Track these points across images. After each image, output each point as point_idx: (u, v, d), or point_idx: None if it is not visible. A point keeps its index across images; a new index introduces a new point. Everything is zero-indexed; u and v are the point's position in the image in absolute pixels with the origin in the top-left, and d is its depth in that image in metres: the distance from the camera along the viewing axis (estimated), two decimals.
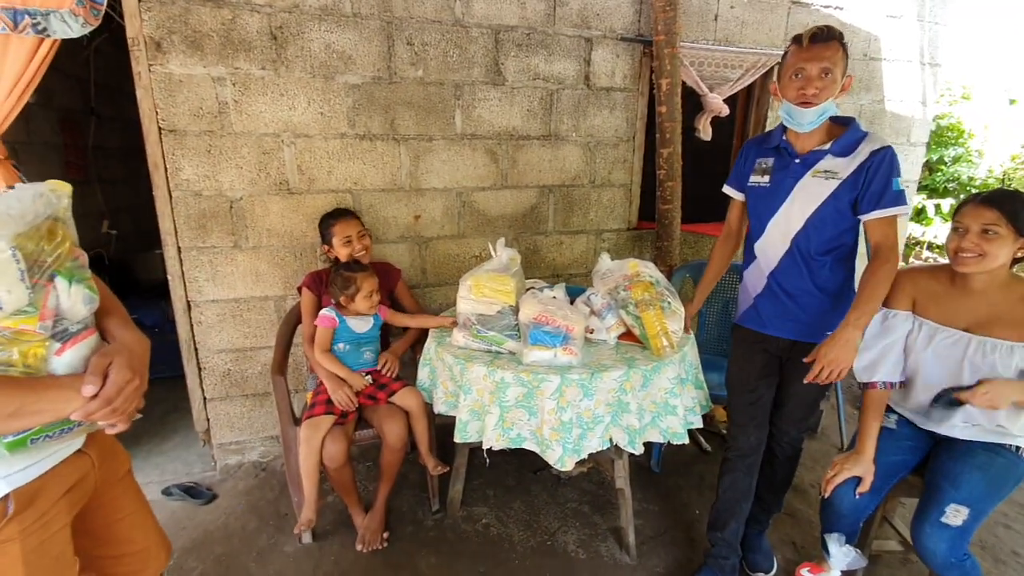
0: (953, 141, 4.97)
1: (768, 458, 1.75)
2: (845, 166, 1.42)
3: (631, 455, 1.83)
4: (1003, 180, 4.93)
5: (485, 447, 1.68)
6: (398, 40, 2.19)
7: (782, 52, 1.48)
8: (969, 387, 1.39)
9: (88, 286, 0.89)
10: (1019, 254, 1.38)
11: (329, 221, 2.05)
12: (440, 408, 1.85)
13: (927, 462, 1.56)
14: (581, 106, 2.50)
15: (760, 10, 2.67)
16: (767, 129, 2.58)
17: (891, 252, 1.41)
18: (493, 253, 1.99)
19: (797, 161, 1.49)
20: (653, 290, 1.78)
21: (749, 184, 1.60)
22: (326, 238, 2.05)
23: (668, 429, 1.74)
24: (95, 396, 0.80)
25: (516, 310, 1.80)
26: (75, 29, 1.79)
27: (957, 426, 1.50)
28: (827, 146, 1.45)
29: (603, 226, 2.72)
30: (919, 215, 4.70)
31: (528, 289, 2.14)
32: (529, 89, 2.40)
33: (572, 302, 1.93)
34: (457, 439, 1.72)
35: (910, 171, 3.29)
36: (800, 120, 1.41)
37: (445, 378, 1.83)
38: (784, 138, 1.52)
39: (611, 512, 2.14)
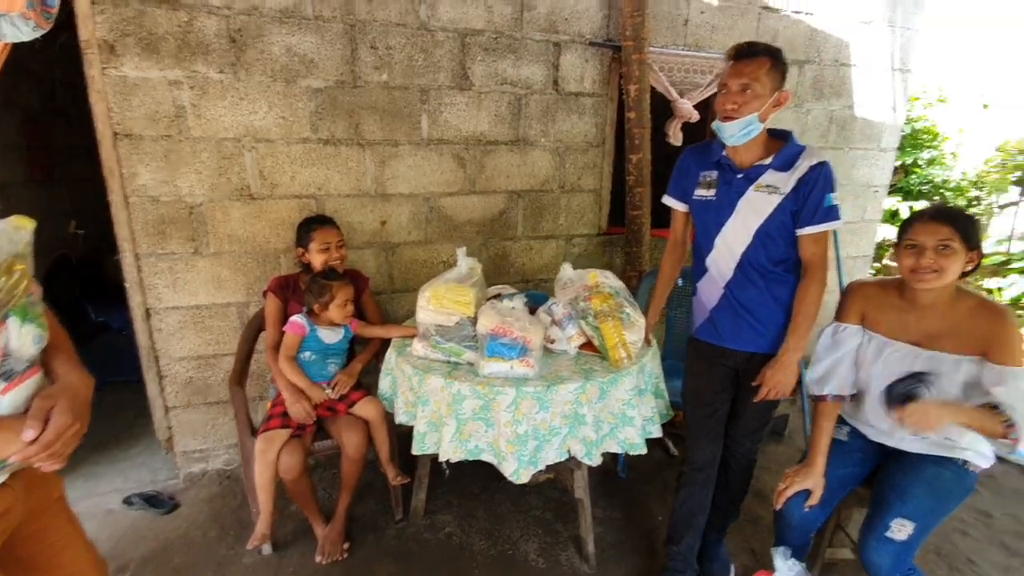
0: (928, 144, 5.03)
1: (723, 469, 1.76)
2: (786, 180, 1.43)
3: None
4: (976, 183, 5.00)
5: (441, 459, 1.67)
6: (362, 44, 2.15)
7: None
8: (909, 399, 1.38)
9: (39, 324, 0.89)
10: (967, 268, 1.39)
11: (310, 225, 2.02)
12: (401, 418, 1.84)
13: (877, 474, 1.58)
14: (550, 111, 2.49)
15: (731, 15, 2.67)
16: None
17: (819, 270, 1.46)
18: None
19: (740, 176, 1.49)
20: (612, 301, 1.78)
21: (694, 197, 1.60)
22: (303, 242, 2.01)
23: (626, 440, 1.74)
24: (35, 440, 0.80)
25: (475, 321, 1.78)
26: (26, 33, 1.73)
27: (906, 439, 1.51)
28: (768, 160, 1.46)
29: (573, 231, 2.71)
30: (893, 217, 4.75)
31: (490, 298, 2.13)
32: (497, 94, 2.38)
33: (534, 311, 1.93)
34: (415, 451, 1.71)
35: (880, 177, 3.31)
36: (724, 134, 1.45)
37: (405, 388, 1.82)
38: (724, 153, 1.52)
39: (574, 519, 2.13)
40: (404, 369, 1.78)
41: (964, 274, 1.40)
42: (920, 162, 5.03)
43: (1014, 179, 4.81)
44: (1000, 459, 2.75)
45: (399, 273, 2.47)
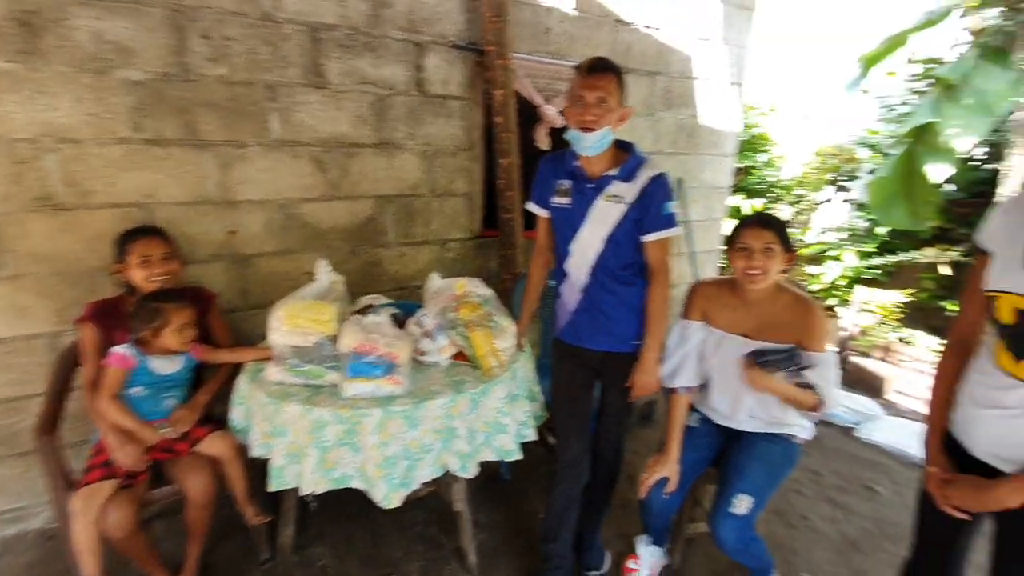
0: (762, 148, 5.74)
1: (593, 461, 1.84)
2: (629, 190, 1.52)
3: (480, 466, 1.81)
4: (800, 182, 5.82)
5: (304, 493, 1.54)
6: (191, 32, 1.91)
7: None
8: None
9: None
10: (785, 267, 1.57)
11: (130, 236, 1.74)
12: (257, 451, 1.67)
13: (723, 455, 1.74)
14: (416, 113, 2.41)
15: (588, 27, 2.79)
16: None
17: (663, 272, 1.58)
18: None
19: (590, 185, 1.56)
20: (481, 310, 1.77)
21: (552, 204, 1.65)
22: (120, 255, 1.73)
23: (501, 447, 1.74)
24: None
25: (337, 339, 1.67)
26: None
27: (744, 421, 1.69)
28: (614, 171, 1.54)
29: (447, 236, 2.67)
30: (738, 214, 5.37)
31: (359, 309, 2.02)
32: (357, 93, 2.25)
33: (403, 324, 1.85)
34: (273, 487, 1.56)
35: (724, 179, 3.70)
36: (582, 144, 1.49)
37: (260, 418, 1.65)
38: (576, 163, 1.58)
39: (458, 530, 2.11)
40: (257, 397, 1.61)
41: (782, 272, 1.59)
42: (757, 164, 5.71)
43: (829, 179, 5.65)
44: (825, 423, 3.21)
45: (256, 287, 2.25)
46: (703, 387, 1.75)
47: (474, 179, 2.68)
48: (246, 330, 2.21)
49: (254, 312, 2.26)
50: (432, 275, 1.88)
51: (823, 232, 5.41)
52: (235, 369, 1.84)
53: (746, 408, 1.65)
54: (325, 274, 1.78)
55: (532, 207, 1.75)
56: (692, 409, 1.80)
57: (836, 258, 4.91)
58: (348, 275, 2.38)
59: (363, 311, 2.02)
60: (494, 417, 1.72)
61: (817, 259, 5.12)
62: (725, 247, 1.63)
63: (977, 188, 4.28)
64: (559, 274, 1.73)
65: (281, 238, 2.25)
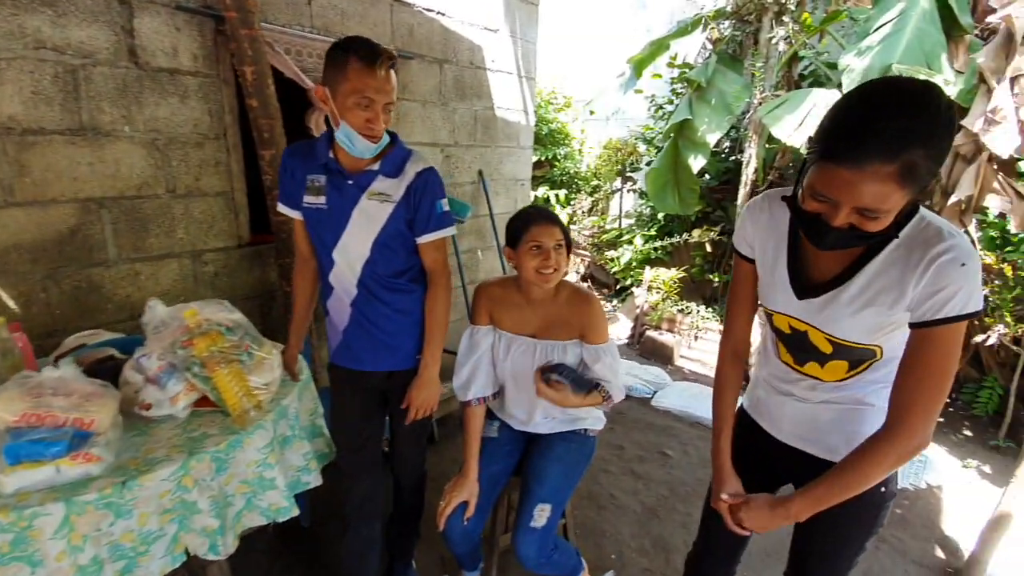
0: (562, 142, 6.10)
1: (395, 491, 1.64)
2: (396, 187, 1.35)
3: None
4: (595, 173, 6.32)
5: None
6: None
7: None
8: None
9: None
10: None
11: None
12: None
13: (523, 461, 1.66)
14: (132, 91, 1.87)
15: (360, 2, 2.49)
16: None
17: (442, 276, 1.44)
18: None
19: (350, 182, 1.34)
20: (224, 341, 1.40)
21: (304, 205, 1.39)
22: None
23: (270, 508, 1.41)
24: None
25: None
26: None
27: (541, 423, 1.62)
28: (376, 166, 1.34)
29: (201, 245, 2.17)
30: (546, 204, 5.62)
31: (63, 354, 1.52)
32: (31, 62, 1.65)
33: (118, 373, 1.40)
34: None
35: (523, 171, 3.74)
36: (363, 151, 1.29)
37: None
38: (331, 155, 1.34)
39: None
40: None
41: None
42: (559, 157, 6.04)
43: (618, 171, 6.23)
44: (627, 397, 3.47)
45: None
46: (498, 394, 1.64)
47: (232, 174, 2.21)
48: None
49: None
50: (150, 303, 1.44)
51: (614, 220, 5.95)
52: None
53: (541, 410, 1.58)
54: None
55: (284, 209, 1.46)
56: (491, 417, 1.69)
57: (629, 241, 5.42)
58: (47, 308, 1.80)
59: (71, 353, 1.51)
60: (254, 473, 1.38)
61: (614, 244, 5.60)
62: (508, 246, 1.50)
63: (725, 176, 5.07)
64: (324, 289, 1.46)
65: None
